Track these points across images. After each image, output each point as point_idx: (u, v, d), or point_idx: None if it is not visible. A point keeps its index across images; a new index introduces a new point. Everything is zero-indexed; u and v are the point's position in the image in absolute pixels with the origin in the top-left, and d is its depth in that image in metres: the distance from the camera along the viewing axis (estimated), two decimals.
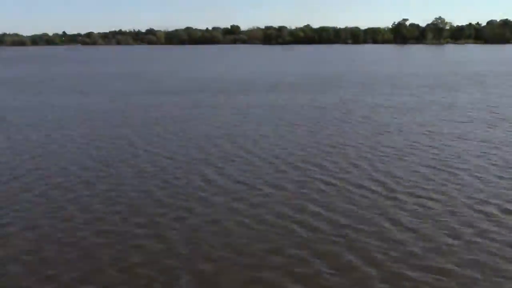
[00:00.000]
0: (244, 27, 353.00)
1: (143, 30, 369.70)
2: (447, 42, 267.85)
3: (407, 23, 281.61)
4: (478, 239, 10.00)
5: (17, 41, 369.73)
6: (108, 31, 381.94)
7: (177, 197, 13.01)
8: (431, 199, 12.63)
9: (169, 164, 16.49)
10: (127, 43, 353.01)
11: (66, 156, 17.89)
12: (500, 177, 14.52)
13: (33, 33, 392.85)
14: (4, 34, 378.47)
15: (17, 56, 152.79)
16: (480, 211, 11.67)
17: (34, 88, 45.14)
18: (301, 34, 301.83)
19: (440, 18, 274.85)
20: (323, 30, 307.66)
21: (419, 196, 12.84)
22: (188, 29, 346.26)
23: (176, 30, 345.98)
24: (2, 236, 10.46)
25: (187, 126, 23.89)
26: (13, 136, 21.56)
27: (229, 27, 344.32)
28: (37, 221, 11.34)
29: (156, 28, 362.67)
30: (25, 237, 10.41)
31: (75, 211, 12.04)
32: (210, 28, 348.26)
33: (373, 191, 13.34)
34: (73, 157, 17.66)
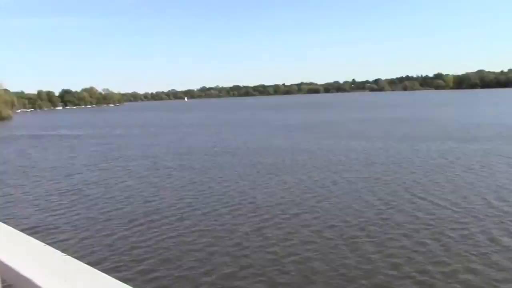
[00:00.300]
0: None
1: (431, 75, 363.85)
2: None
3: None
4: None
5: (312, 89, 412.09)
6: (395, 77, 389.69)
7: (451, 251, 12.26)
8: None
9: (447, 216, 15.67)
10: (413, 88, 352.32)
11: (344, 198, 18.85)
12: None
13: (325, 82, 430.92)
14: (301, 83, 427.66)
15: (311, 103, 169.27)
16: None
17: (321, 132, 49.13)
18: None
19: None
20: None
21: None
22: (480, 72, 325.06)
23: (466, 74, 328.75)
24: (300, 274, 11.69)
25: (472, 176, 22.30)
26: (299, 176, 23.86)
27: None
28: (310, 258, 12.29)
29: (444, 72, 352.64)
30: (331, 276, 11.41)
31: (346, 251, 12.57)
32: (505, 70, 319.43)
33: None
34: (351, 199, 18.50)
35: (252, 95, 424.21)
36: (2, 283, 1.93)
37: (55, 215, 17.66)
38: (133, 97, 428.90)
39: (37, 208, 18.94)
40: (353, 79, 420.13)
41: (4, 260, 1.60)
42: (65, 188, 23.20)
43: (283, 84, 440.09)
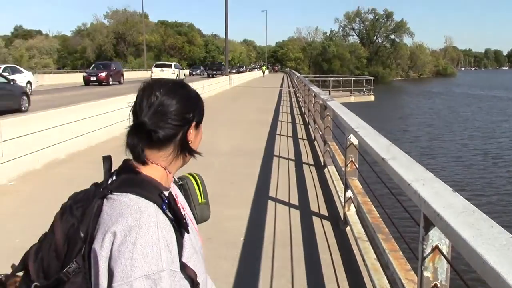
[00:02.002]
0: None
1: None
2: None
3: None
4: None
5: None
6: None
7: None
8: None
9: None
10: None
11: None
12: None
13: None
14: None
15: None
16: None
17: None
18: None
19: None
20: None
21: None
22: None
23: None
24: None
25: None
26: None
27: None
28: None
29: None
30: None
31: None
32: None
33: None
34: None
35: None
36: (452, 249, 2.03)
37: (476, 175, 17.27)
38: None
39: (459, 165, 18.97)
40: None
41: (456, 230, 1.62)
42: (488, 149, 22.44)
43: None
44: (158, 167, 1.20)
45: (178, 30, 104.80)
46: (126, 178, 1.16)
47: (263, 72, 73.89)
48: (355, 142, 4.76)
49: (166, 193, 1.18)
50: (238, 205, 5.61)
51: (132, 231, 1.03)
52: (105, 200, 1.12)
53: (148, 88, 1.21)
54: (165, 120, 1.17)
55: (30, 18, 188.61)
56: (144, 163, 1.19)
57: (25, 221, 5.07)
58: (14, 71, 22.82)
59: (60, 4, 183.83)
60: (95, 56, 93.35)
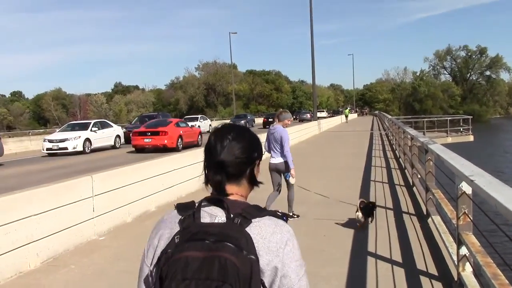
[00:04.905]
0: None
1: None
2: None
3: None
4: None
5: None
6: None
7: None
8: None
9: None
10: None
11: None
12: None
13: None
14: None
15: None
16: None
17: None
18: None
19: None
20: None
21: None
22: None
23: None
24: None
25: None
26: None
27: None
28: None
29: None
30: None
31: None
32: None
33: None
34: None
35: None
36: None
37: None
38: None
39: None
40: None
41: None
42: None
43: None
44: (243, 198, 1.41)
45: (265, 78, 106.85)
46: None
47: (346, 117, 59.20)
48: (468, 191, 4.12)
49: None
50: (334, 263, 5.09)
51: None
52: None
53: (220, 132, 1.40)
54: (238, 157, 1.36)
55: (128, 75, 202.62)
56: (227, 195, 1.37)
57: (112, 280, 4.92)
58: (104, 125, 23.96)
59: (156, 61, 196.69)
60: (187, 107, 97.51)
